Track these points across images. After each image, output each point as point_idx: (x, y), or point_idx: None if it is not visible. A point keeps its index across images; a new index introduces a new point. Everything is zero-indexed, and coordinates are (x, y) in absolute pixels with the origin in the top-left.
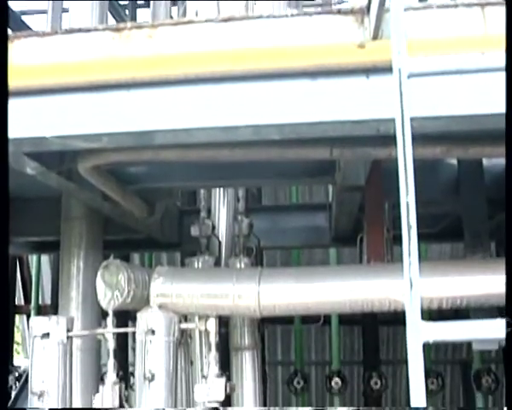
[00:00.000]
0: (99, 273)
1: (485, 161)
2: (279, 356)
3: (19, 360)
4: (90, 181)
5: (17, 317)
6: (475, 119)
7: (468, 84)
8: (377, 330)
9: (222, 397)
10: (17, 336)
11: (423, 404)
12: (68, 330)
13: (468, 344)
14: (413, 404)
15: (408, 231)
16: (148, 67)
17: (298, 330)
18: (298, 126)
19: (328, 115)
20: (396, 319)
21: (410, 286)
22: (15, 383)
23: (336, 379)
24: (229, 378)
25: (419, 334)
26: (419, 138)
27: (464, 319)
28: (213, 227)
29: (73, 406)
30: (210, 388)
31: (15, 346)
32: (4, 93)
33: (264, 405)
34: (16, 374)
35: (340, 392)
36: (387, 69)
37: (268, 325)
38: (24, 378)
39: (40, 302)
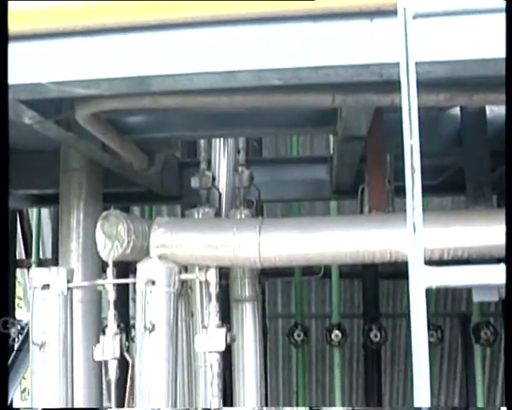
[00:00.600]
0: (98, 224)
1: (488, 113)
2: (279, 309)
3: (21, 313)
4: (88, 130)
5: (18, 271)
6: (481, 63)
7: (475, 27)
8: (377, 284)
9: (222, 347)
10: (19, 291)
11: (426, 353)
12: (68, 282)
13: (468, 298)
14: (415, 353)
15: (411, 175)
16: (146, 11)
17: (298, 282)
18: (299, 71)
19: (330, 59)
20: (396, 272)
21: (414, 230)
22: (18, 336)
23: (336, 332)
24: (229, 329)
25: (422, 279)
26: (422, 85)
27: None
28: (213, 179)
29: (75, 356)
30: (210, 338)
31: (17, 301)
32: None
33: (265, 357)
34: (19, 327)
35: (339, 345)
36: (392, 12)
37: (268, 278)
38: (26, 331)
39: (41, 256)
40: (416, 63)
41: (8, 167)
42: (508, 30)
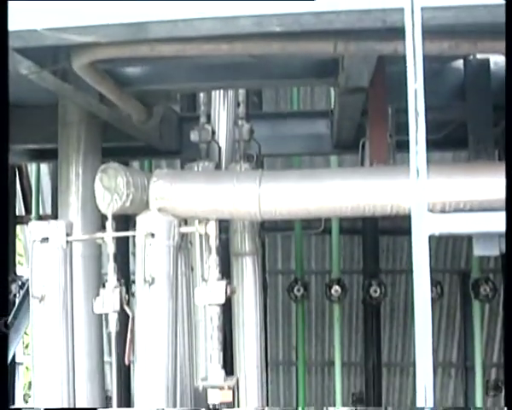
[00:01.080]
0: (97, 177)
1: (492, 66)
2: (279, 265)
3: (22, 270)
4: (85, 82)
5: (18, 228)
6: (487, 9)
7: None
8: (377, 240)
9: (222, 300)
10: (19, 247)
11: (428, 307)
12: (67, 235)
13: (468, 254)
14: (417, 306)
15: (415, 119)
16: None
17: (298, 238)
18: (301, 17)
19: (332, 5)
20: (396, 229)
21: (417, 175)
22: (19, 292)
23: (336, 287)
24: (229, 283)
25: (424, 226)
26: (426, 33)
27: None
28: (213, 132)
29: (75, 309)
30: (210, 291)
31: (18, 257)
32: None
33: (265, 312)
34: (19, 283)
35: (339, 300)
36: None
37: (268, 234)
38: (27, 287)
39: (41, 213)
40: (421, 9)
41: (8, 123)
42: (508, 30)
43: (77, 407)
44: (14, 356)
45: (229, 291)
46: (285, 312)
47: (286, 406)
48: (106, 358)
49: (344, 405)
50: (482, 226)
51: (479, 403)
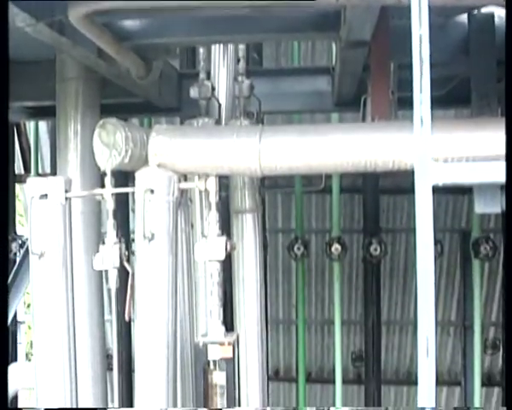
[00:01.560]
0: (95, 133)
1: (496, 20)
2: (279, 224)
3: (22, 230)
4: (83, 34)
5: (17, 187)
6: None
7: None
8: (378, 199)
9: (222, 256)
10: (19, 207)
11: (431, 267)
12: (66, 191)
13: (468, 214)
14: (419, 250)
15: (420, 66)
16: None
17: (298, 197)
18: None
19: None
20: (397, 188)
21: (421, 124)
22: (19, 250)
23: (336, 245)
24: (229, 239)
25: (428, 175)
26: None
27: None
28: (213, 89)
29: (75, 266)
30: (210, 246)
31: (19, 218)
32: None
33: (265, 270)
34: (20, 242)
35: (339, 258)
36: None
37: (268, 192)
38: (27, 245)
39: (40, 171)
40: None
41: (8, 80)
42: (508, 29)
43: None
44: (15, 315)
45: (229, 247)
46: (285, 270)
47: (285, 363)
48: (106, 316)
49: (343, 363)
50: (486, 176)
51: (477, 362)
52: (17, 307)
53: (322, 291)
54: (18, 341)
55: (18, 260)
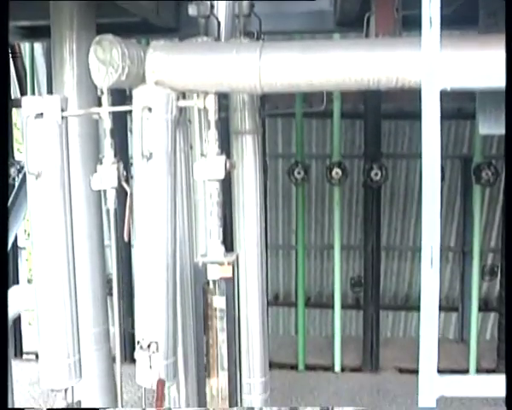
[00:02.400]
0: (91, 50)
1: None
2: (280, 149)
3: (21, 156)
4: None
5: (14, 114)
6: None
7: None
8: (379, 123)
9: (222, 175)
10: (17, 135)
11: (438, 167)
12: (62, 110)
13: (470, 140)
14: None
15: None
16: None
17: (299, 121)
18: None
19: None
20: (399, 113)
21: (430, 25)
22: (17, 175)
23: (337, 170)
24: (229, 158)
25: (436, 80)
26: None
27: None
28: (212, 6)
29: (73, 188)
30: (209, 165)
31: (17, 145)
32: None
33: (265, 194)
34: (18, 167)
35: (339, 183)
36: None
37: (269, 119)
38: (25, 171)
39: (36, 95)
40: None
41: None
42: (508, 29)
43: (79, 296)
44: (15, 240)
45: (228, 166)
46: (285, 196)
47: (285, 288)
48: (106, 241)
49: (342, 288)
50: (493, 81)
51: (475, 287)
52: (17, 231)
53: (321, 217)
54: (19, 266)
55: (16, 184)
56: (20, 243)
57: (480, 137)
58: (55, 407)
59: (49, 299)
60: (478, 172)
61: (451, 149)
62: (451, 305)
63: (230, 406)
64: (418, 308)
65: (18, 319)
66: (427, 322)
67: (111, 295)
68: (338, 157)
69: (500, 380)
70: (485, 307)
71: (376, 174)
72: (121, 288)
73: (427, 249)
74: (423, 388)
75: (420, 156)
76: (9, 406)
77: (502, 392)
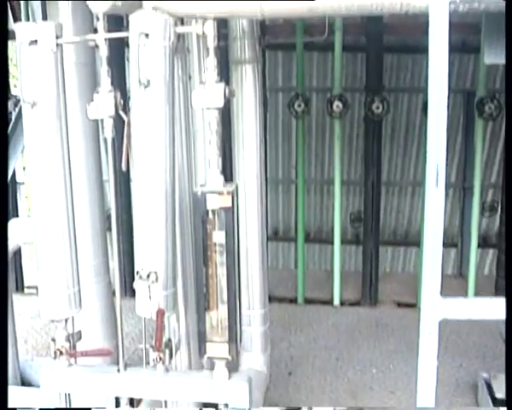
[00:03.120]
0: None
1: None
2: (280, 83)
3: (17, 91)
4: None
5: (10, 48)
6: None
7: None
8: (381, 57)
9: (221, 103)
10: (12, 69)
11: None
12: (57, 37)
13: (473, 74)
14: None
15: None
16: None
17: (299, 53)
18: None
19: None
20: (402, 46)
21: None
22: (14, 109)
23: (337, 102)
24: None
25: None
26: None
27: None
28: None
29: (69, 118)
30: (208, 93)
31: (13, 81)
32: None
33: (265, 128)
34: (14, 100)
35: (340, 116)
36: None
37: (269, 52)
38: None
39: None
40: None
41: None
42: (508, 29)
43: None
44: (14, 175)
45: (227, 93)
46: (285, 131)
47: (284, 223)
48: (105, 177)
49: (342, 224)
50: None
51: (474, 223)
52: (15, 166)
53: (322, 152)
54: (18, 202)
55: (13, 118)
56: (18, 179)
57: (484, 71)
58: (56, 337)
59: (47, 230)
60: (481, 106)
61: (454, 83)
62: (451, 241)
63: (230, 337)
64: (417, 244)
65: (19, 254)
66: (431, 243)
67: (111, 230)
68: (339, 90)
69: (501, 303)
70: (484, 243)
71: (378, 107)
72: (120, 220)
73: (433, 168)
74: (426, 311)
75: (422, 91)
76: (11, 340)
77: (502, 315)
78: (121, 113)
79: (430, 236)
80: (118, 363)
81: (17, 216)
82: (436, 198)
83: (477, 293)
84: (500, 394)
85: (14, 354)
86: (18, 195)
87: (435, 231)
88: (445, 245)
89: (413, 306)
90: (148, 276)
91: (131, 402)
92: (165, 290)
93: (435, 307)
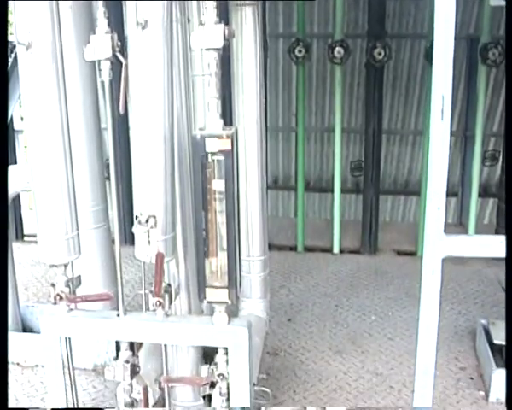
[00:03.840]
0: None
1: None
2: (280, 29)
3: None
4: None
5: None
6: None
7: None
8: (384, 2)
9: (220, 43)
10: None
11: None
12: None
13: (477, 20)
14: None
15: None
16: None
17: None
18: None
19: None
20: None
21: None
22: (10, 55)
23: (339, 48)
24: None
25: None
26: None
27: None
28: None
29: (66, 61)
30: (207, 34)
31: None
32: None
33: (265, 73)
34: (10, 46)
35: (341, 62)
36: None
37: None
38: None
39: None
40: None
41: None
42: (508, 29)
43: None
44: (11, 123)
45: (227, 34)
46: (285, 78)
47: (284, 172)
48: (103, 125)
49: (342, 172)
50: None
51: (475, 172)
52: (12, 112)
53: (322, 99)
54: (16, 150)
55: (9, 63)
56: (16, 126)
57: (488, 16)
58: (55, 282)
59: (45, 176)
60: (484, 53)
61: (457, 30)
62: (451, 190)
63: (230, 282)
64: (417, 193)
65: (18, 204)
66: (435, 177)
67: (110, 179)
68: (340, 35)
69: (502, 240)
70: (484, 192)
71: (380, 53)
72: (119, 168)
73: (438, 100)
74: (429, 248)
75: (424, 38)
76: (11, 287)
77: (502, 252)
78: (118, 55)
79: (434, 172)
80: (118, 309)
81: (15, 164)
82: (441, 132)
83: None
84: (498, 340)
85: (15, 300)
86: (16, 143)
87: (440, 166)
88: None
89: (413, 254)
90: (147, 221)
91: (132, 347)
92: (164, 235)
93: (439, 244)
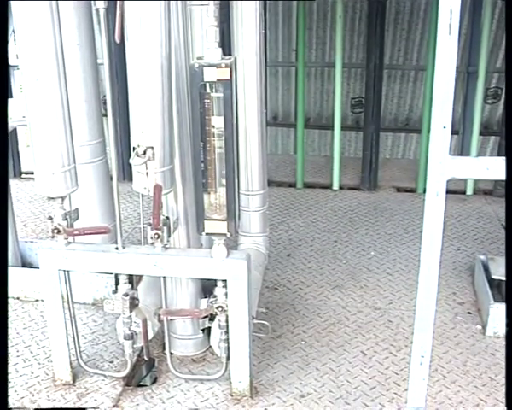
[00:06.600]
0: None
1: None
2: None
3: None
4: None
5: None
6: None
7: None
8: None
9: None
10: None
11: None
12: None
13: None
14: None
15: None
16: None
17: None
18: None
19: None
20: None
21: None
22: None
23: None
24: None
25: None
26: None
27: None
28: None
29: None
30: None
31: None
32: None
33: (265, 7)
34: None
35: None
36: None
37: None
38: None
39: None
40: None
41: None
42: (508, 29)
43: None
44: (6, 58)
45: None
46: (285, 12)
47: (284, 108)
48: (99, 60)
49: (343, 109)
50: None
51: (477, 110)
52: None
53: (323, 34)
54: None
55: None
56: (11, 61)
57: None
58: (52, 215)
59: (41, 109)
60: None
61: None
62: (452, 128)
63: (229, 214)
64: (418, 131)
65: (15, 141)
66: (441, 95)
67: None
68: None
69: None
70: (485, 130)
71: None
72: (116, 103)
73: (446, 14)
74: (433, 169)
75: None
76: (10, 223)
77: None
78: None
79: (440, 88)
80: (116, 242)
81: (11, 94)
82: (448, 48)
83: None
84: (496, 275)
85: (14, 236)
86: (12, 78)
87: (446, 84)
88: None
89: (413, 191)
90: (145, 152)
91: (131, 280)
92: (162, 167)
93: (443, 164)
